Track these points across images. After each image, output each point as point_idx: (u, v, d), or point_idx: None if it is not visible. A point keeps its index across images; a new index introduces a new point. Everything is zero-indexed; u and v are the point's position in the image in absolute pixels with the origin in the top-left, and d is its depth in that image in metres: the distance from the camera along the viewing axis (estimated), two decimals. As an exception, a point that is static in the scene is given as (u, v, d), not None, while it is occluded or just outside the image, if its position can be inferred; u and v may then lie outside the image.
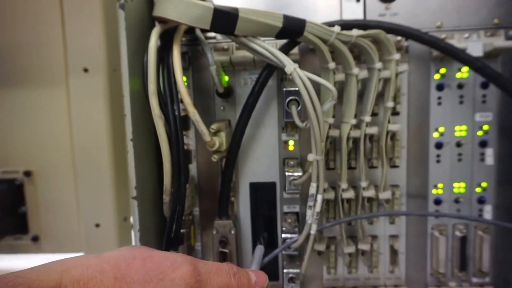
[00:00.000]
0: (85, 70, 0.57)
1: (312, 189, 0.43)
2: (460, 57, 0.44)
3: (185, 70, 0.50)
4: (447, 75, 0.50)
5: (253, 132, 0.51)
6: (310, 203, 0.43)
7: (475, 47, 0.47)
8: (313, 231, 0.44)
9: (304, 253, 0.47)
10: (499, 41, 0.47)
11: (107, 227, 0.58)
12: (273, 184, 0.52)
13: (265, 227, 0.52)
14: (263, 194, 0.52)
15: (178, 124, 0.39)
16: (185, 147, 0.51)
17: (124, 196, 0.59)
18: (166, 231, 0.41)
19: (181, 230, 0.47)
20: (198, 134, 0.50)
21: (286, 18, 0.41)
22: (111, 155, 0.57)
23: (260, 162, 0.52)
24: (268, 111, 0.51)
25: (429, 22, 0.49)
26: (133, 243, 0.45)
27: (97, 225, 0.58)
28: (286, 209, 0.52)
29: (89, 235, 0.61)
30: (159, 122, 0.38)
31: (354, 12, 0.49)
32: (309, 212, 0.44)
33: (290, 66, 0.38)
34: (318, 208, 0.43)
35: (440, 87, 0.50)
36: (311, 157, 0.41)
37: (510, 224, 0.49)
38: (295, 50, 0.47)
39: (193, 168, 0.52)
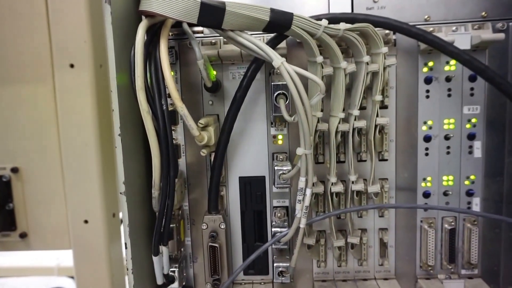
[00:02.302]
0: (71, 65, 0.58)
1: (301, 183, 0.44)
2: (447, 50, 0.46)
3: (172, 65, 0.51)
4: (435, 68, 0.51)
5: (242, 126, 0.52)
6: (299, 197, 0.45)
7: (463, 40, 0.48)
8: (302, 225, 0.46)
9: (294, 247, 0.49)
10: (487, 34, 0.48)
11: (96, 223, 0.59)
12: (262, 178, 0.53)
13: (254, 221, 0.54)
14: (252, 188, 0.53)
15: (167, 119, 0.40)
16: (174, 142, 0.52)
17: (113, 192, 0.61)
18: (156, 226, 0.42)
19: (171, 225, 0.48)
20: (186, 129, 0.51)
21: (273, 12, 0.42)
22: (98, 151, 0.58)
23: (249, 157, 0.53)
24: (257, 105, 0.52)
25: (416, 15, 0.50)
26: (123, 239, 0.46)
27: (86, 221, 0.59)
28: (275, 203, 0.53)
29: (77, 232, 0.62)
30: (147, 117, 0.39)
31: (341, 6, 0.50)
32: (298, 206, 0.45)
33: (277, 60, 0.40)
34: (307, 202, 0.45)
35: (428, 80, 0.51)
36: (299, 151, 0.43)
37: (498, 216, 0.51)
38: (283, 44, 0.48)
39: (182, 163, 0.53)
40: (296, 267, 0.54)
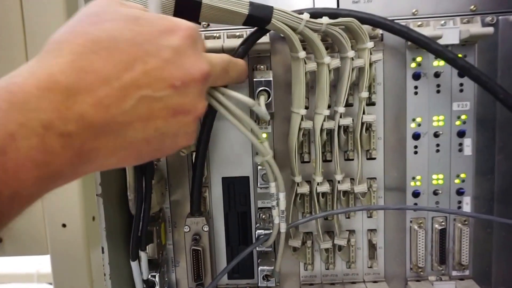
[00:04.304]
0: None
1: (272, 189, 0.44)
2: (431, 48, 0.46)
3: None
4: (424, 63, 0.51)
5: (225, 124, 0.52)
6: (273, 202, 0.45)
7: (452, 34, 0.48)
8: (282, 230, 0.45)
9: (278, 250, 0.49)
10: (476, 28, 0.48)
11: (74, 227, 0.58)
12: (246, 179, 0.53)
13: (238, 223, 0.53)
14: (236, 189, 0.53)
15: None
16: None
17: (92, 194, 0.60)
18: (132, 230, 0.42)
19: (151, 228, 0.48)
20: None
21: (252, 5, 0.41)
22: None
23: (232, 156, 0.53)
24: (240, 102, 0.51)
25: (404, 9, 0.50)
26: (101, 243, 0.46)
27: (64, 225, 0.58)
28: (260, 204, 0.53)
29: (55, 236, 0.61)
30: None
31: (327, 1, 0.50)
32: (274, 212, 0.45)
33: None
34: (282, 206, 0.45)
35: (416, 76, 0.51)
36: (258, 159, 0.43)
37: (489, 216, 0.51)
38: (266, 39, 0.48)
39: (162, 163, 0.52)
40: (282, 270, 0.54)
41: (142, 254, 0.45)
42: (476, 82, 0.46)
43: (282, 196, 0.44)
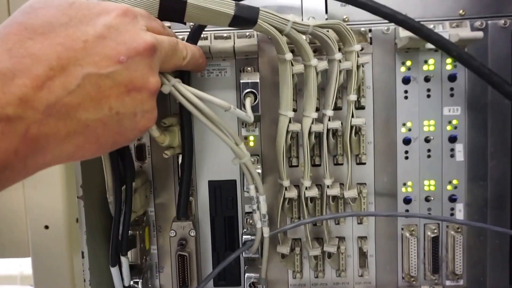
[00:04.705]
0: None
1: (252, 192, 0.43)
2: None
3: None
4: (413, 67, 0.51)
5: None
6: (253, 206, 0.44)
7: (440, 38, 0.48)
8: (266, 234, 0.45)
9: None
10: (465, 32, 0.48)
11: (57, 229, 0.57)
12: (233, 182, 0.52)
13: (225, 228, 0.52)
14: (223, 193, 0.52)
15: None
16: (137, 142, 0.51)
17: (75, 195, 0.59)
18: (112, 234, 0.41)
19: (134, 232, 0.47)
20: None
21: (238, 5, 0.41)
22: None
23: (219, 159, 0.52)
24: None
25: (393, 13, 0.50)
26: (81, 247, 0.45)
27: (46, 227, 0.57)
28: (247, 208, 0.52)
29: (37, 238, 0.60)
30: None
31: (315, 4, 0.50)
32: (255, 216, 0.44)
33: (167, 85, 0.37)
34: (263, 210, 0.44)
35: (406, 80, 0.51)
36: (235, 161, 0.42)
37: (482, 224, 0.50)
38: (254, 41, 0.48)
39: (147, 165, 0.52)
40: (271, 278, 0.53)
41: (123, 260, 0.44)
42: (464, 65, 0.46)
43: (262, 199, 0.44)
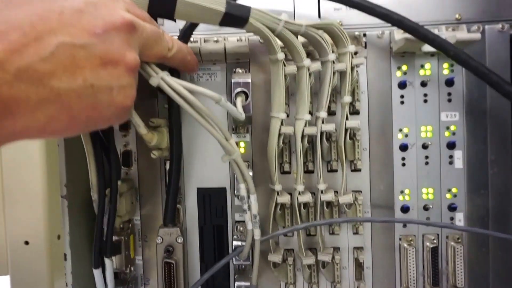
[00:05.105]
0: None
1: (242, 191, 0.42)
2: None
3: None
4: (409, 72, 0.50)
5: (200, 132, 0.50)
6: (244, 206, 0.42)
7: (436, 41, 0.47)
8: (257, 237, 0.43)
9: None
10: (462, 34, 0.47)
11: (38, 245, 0.55)
12: (223, 190, 0.50)
13: (214, 238, 0.50)
14: (212, 200, 0.50)
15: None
16: (125, 148, 0.50)
17: (58, 212, 0.57)
18: (95, 233, 0.39)
19: (119, 238, 0.45)
20: (139, 136, 0.49)
21: (229, 3, 0.41)
22: (43, 162, 0.55)
23: (208, 166, 0.50)
24: (217, 108, 0.49)
25: (388, 16, 0.49)
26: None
27: (26, 243, 0.55)
28: (238, 217, 0.50)
29: (16, 255, 0.57)
30: None
31: (307, 4, 0.49)
32: (246, 217, 0.42)
33: (155, 77, 0.36)
34: (254, 210, 0.42)
35: (402, 85, 0.50)
36: (224, 158, 0.41)
37: (484, 230, 0.48)
38: (245, 42, 0.47)
39: (133, 171, 0.50)
40: (259, 286, 0.50)
41: (107, 262, 0.41)
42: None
43: (253, 198, 0.42)
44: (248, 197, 0.42)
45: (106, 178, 0.40)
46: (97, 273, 0.41)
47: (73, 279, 0.40)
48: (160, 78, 0.36)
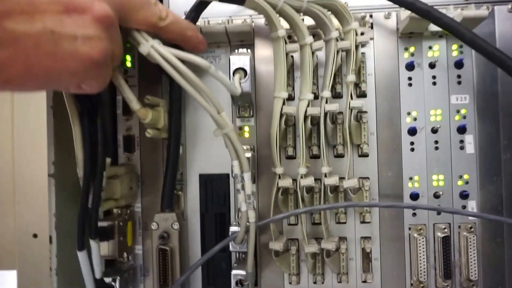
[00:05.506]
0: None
1: (235, 169, 0.40)
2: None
3: (128, 48, 0.48)
4: (417, 53, 0.49)
5: (202, 116, 0.49)
6: (237, 185, 0.40)
7: (444, 19, 0.46)
8: (252, 219, 0.41)
9: (255, 251, 0.43)
10: (469, 11, 0.45)
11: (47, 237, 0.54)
12: (226, 176, 0.49)
13: (216, 226, 0.49)
14: (214, 187, 0.49)
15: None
16: (127, 133, 0.49)
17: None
18: (79, 212, 0.37)
19: (112, 222, 0.43)
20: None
21: (229, -23, 0.40)
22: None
23: (211, 151, 0.49)
24: (220, 91, 0.48)
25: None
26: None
27: (35, 236, 0.54)
28: (240, 205, 0.48)
29: (24, 247, 0.57)
30: None
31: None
32: (240, 197, 0.41)
33: (145, 44, 0.36)
34: (248, 189, 0.40)
35: (410, 67, 0.48)
36: (216, 133, 0.39)
37: (499, 217, 0.45)
38: (248, 22, 0.46)
39: (135, 157, 0.49)
40: (264, 284, 0.48)
41: (93, 244, 0.40)
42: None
43: (247, 176, 0.40)
44: (242, 175, 0.40)
45: (98, 157, 0.39)
46: (81, 255, 0.39)
47: (58, 263, 0.38)
48: (150, 46, 0.35)
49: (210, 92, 0.38)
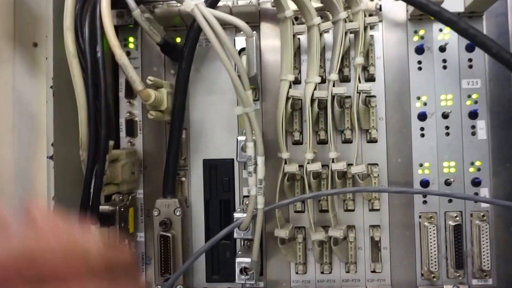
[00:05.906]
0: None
1: (249, 150, 0.39)
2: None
3: (131, 29, 0.48)
4: (427, 37, 0.48)
5: (207, 101, 0.48)
6: (249, 168, 0.39)
7: (455, 0, 0.45)
8: (260, 205, 0.40)
9: (260, 240, 0.42)
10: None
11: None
12: (230, 162, 0.48)
13: (221, 213, 0.47)
14: (218, 173, 0.48)
15: (101, 68, 0.36)
16: (130, 117, 0.48)
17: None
18: (82, 196, 0.36)
19: (113, 208, 0.42)
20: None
21: (234, -45, 0.39)
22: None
23: (215, 136, 0.48)
24: (224, 76, 0.47)
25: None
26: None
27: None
28: (246, 191, 0.47)
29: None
30: (73, 62, 0.36)
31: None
32: (250, 181, 0.39)
33: (189, 1, 0.35)
34: (260, 174, 0.39)
35: (419, 50, 0.47)
36: (238, 110, 0.38)
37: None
38: (253, 3, 0.45)
39: (138, 142, 0.48)
40: (271, 275, 0.47)
41: (93, 229, 0.39)
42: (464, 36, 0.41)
43: (260, 161, 0.39)
44: (255, 158, 0.39)
45: (101, 140, 0.38)
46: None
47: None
48: (194, 4, 0.35)
49: (242, 67, 0.37)
